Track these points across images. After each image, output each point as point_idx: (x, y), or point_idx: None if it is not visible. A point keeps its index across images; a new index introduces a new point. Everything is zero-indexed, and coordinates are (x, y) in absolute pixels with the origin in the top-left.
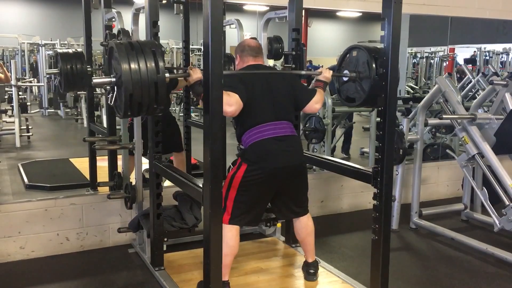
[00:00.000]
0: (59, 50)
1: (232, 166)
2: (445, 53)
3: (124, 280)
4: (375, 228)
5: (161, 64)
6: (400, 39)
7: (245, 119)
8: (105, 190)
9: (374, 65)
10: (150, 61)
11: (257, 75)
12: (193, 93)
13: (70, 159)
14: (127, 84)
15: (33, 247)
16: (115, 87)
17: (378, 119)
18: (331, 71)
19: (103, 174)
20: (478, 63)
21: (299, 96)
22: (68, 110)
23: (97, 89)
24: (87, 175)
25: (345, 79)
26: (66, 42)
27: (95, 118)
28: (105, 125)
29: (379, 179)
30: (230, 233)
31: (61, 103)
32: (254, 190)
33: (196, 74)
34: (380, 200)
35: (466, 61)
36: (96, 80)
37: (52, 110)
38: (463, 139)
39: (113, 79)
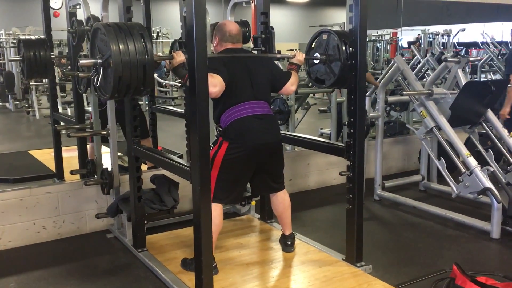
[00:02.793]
0: (21, 37)
1: (212, 146)
2: (390, 37)
3: (107, 263)
4: (349, 198)
5: (149, 46)
6: (367, 20)
7: (225, 99)
8: (73, 178)
9: (344, 48)
10: (139, 43)
11: (236, 58)
12: (176, 75)
13: (29, 151)
14: (116, 66)
15: (9, 237)
16: (101, 69)
17: (349, 95)
18: (304, 54)
19: (67, 165)
20: (422, 45)
21: (276, 78)
22: (18, 102)
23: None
24: (50, 166)
25: (315, 61)
26: (11, 32)
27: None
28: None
29: (351, 152)
30: (215, 212)
31: (9, 96)
32: (236, 167)
33: (180, 57)
34: (353, 172)
35: (410, 44)
36: (82, 61)
37: (0, 103)
38: (421, 113)
39: (99, 61)
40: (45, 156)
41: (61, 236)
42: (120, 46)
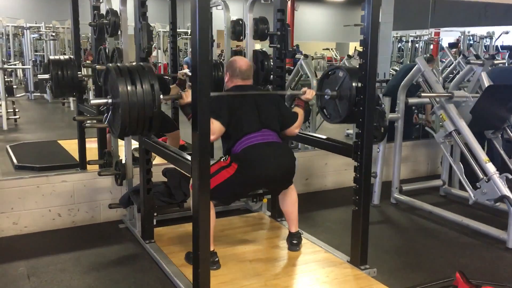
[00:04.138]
0: (51, 57)
1: (224, 159)
2: (430, 37)
3: (116, 252)
4: (356, 199)
5: (157, 98)
6: (379, 18)
7: (232, 133)
8: (94, 168)
9: (354, 85)
10: (148, 96)
11: (243, 95)
12: (183, 112)
13: (58, 141)
14: (124, 117)
15: (25, 222)
16: (110, 107)
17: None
18: (313, 92)
19: (92, 155)
20: (461, 47)
21: (283, 117)
22: None
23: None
24: (76, 156)
25: (326, 97)
26: (51, 25)
27: (83, 100)
28: None
29: (359, 153)
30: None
31: (47, 87)
32: (238, 188)
33: (188, 98)
34: (360, 173)
35: (450, 45)
36: (93, 101)
37: (38, 94)
38: (440, 116)
39: (109, 100)
40: (73, 146)
41: (75, 224)
42: (129, 97)
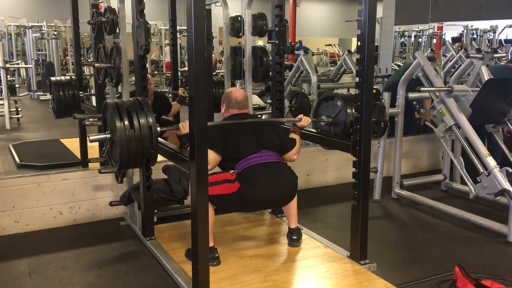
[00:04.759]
0: (52, 78)
1: (232, 172)
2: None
3: (117, 249)
4: (355, 194)
5: (155, 138)
6: (376, 12)
7: (231, 158)
8: (96, 166)
9: (349, 112)
10: (146, 142)
11: (239, 123)
12: (181, 142)
13: (61, 140)
14: (122, 159)
15: (27, 221)
16: (109, 142)
17: (357, 90)
18: (309, 119)
19: (94, 154)
20: (464, 41)
21: (282, 142)
22: None
23: (85, 70)
24: (78, 155)
25: (322, 123)
26: (52, 24)
27: (84, 98)
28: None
29: (357, 148)
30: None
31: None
32: (238, 206)
33: (185, 130)
34: (359, 168)
35: (454, 39)
36: (92, 137)
37: (41, 93)
38: (440, 110)
39: (108, 136)
40: (75, 145)
41: (77, 222)
42: (128, 139)
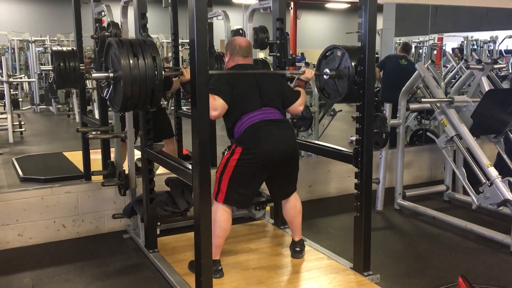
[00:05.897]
0: (53, 48)
1: (227, 150)
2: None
3: (120, 262)
4: (357, 205)
5: (160, 70)
6: (376, 25)
7: (235, 113)
8: (99, 179)
9: (354, 68)
10: (150, 70)
11: (244, 74)
12: (185, 91)
13: (64, 153)
14: (126, 88)
15: (31, 234)
16: (112, 82)
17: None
18: (313, 72)
19: (96, 166)
20: (465, 52)
21: (285, 95)
22: (60, 106)
23: (88, 83)
24: (81, 168)
25: (325, 77)
26: (55, 38)
27: (88, 112)
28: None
29: (359, 159)
30: (223, 217)
31: (52, 99)
32: (249, 172)
33: (188, 75)
34: (361, 179)
35: (453, 50)
36: (95, 74)
37: (44, 107)
38: (442, 121)
39: (111, 74)
40: (78, 158)
41: (80, 235)
42: (132, 70)
